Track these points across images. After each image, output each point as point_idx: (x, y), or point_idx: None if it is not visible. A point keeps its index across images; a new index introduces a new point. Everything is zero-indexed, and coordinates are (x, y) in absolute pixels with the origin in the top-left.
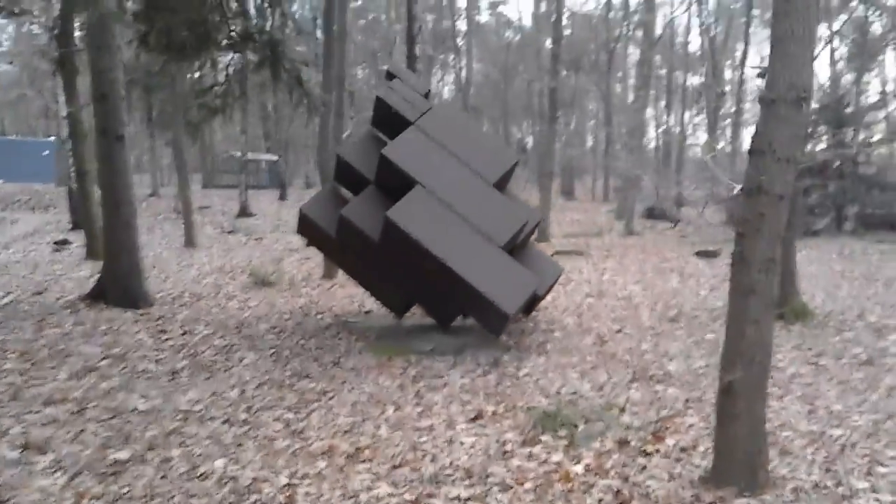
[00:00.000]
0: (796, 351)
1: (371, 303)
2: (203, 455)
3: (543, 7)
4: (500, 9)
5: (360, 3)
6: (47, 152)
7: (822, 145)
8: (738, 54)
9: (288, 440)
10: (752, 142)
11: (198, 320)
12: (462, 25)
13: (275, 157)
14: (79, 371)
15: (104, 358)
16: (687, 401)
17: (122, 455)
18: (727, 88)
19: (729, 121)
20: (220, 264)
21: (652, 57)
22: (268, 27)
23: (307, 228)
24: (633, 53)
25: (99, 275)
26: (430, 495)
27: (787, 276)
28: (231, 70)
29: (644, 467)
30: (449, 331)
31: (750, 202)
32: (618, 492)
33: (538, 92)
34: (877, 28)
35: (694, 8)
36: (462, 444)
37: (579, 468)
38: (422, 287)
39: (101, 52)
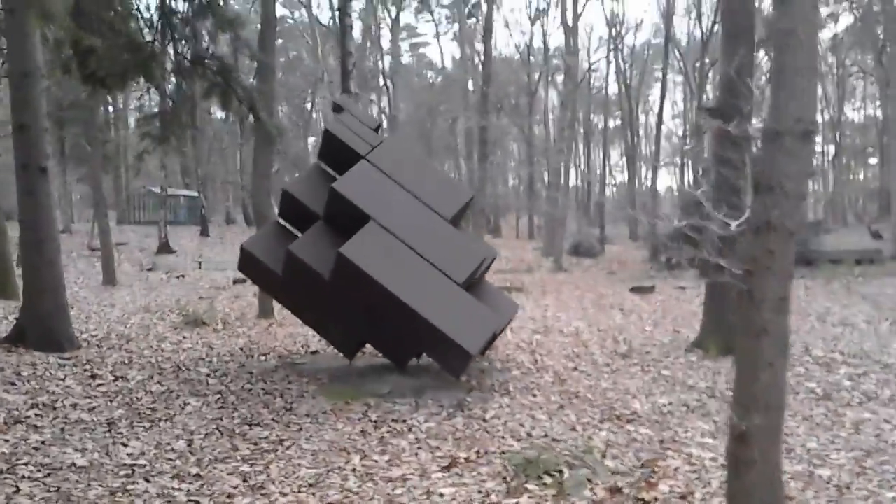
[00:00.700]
0: None
1: (317, 343)
2: None
3: (465, 50)
4: (422, 50)
5: (280, 41)
6: None
7: None
8: (653, 99)
9: (248, 497)
10: (758, 177)
11: (130, 364)
12: (383, 65)
13: (194, 193)
14: (4, 423)
15: (31, 407)
16: (662, 441)
17: None
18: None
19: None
20: (145, 303)
21: (575, 98)
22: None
23: (250, 266)
24: (552, 97)
25: (16, 317)
26: None
27: (735, 310)
28: (176, 97)
29: None
30: (405, 371)
31: (758, 239)
32: None
33: (461, 132)
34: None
35: (611, 54)
36: (442, 495)
37: None
38: (375, 327)
39: (25, 79)
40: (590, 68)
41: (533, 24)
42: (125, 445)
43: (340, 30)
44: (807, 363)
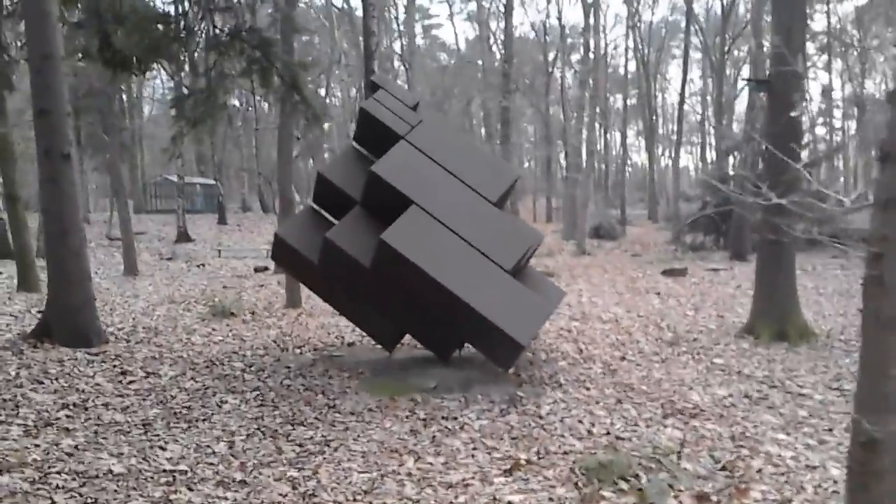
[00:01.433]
0: (813, 375)
1: (351, 334)
2: None
3: (483, 29)
4: (434, 32)
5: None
6: None
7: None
8: (668, 77)
9: None
10: (885, 146)
11: (161, 359)
12: (397, 47)
13: (211, 181)
14: (34, 426)
15: (61, 408)
16: (733, 438)
17: None
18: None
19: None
20: (169, 293)
21: (598, 76)
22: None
23: (283, 254)
24: (568, 77)
25: (41, 310)
26: None
27: (788, 293)
28: (213, 75)
29: None
30: (448, 364)
31: (888, 216)
32: None
33: (476, 113)
34: None
35: (629, 32)
36: None
37: None
38: (418, 317)
39: (46, 61)
40: (607, 46)
41: (549, 1)
42: (163, 449)
43: (363, 8)
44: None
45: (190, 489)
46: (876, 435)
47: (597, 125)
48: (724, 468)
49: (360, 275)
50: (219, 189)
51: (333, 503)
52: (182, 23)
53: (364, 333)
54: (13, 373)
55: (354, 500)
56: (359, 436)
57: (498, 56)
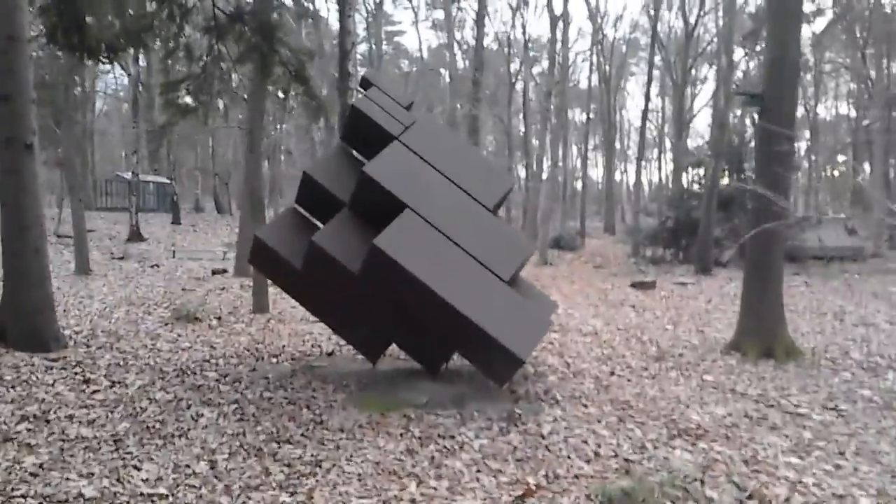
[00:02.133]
0: (806, 394)
1: (327, 342)
2: None
3: (439, 39)
4: (396, 38)
5: None
6: None
7: (725, 181)
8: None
9: None
10: None
11: (126, 366)
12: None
13: (164, 180)
14: None
15: (20, 420)
16: (746, 462)
17: None
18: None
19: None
20: (125, 295)
21: (563, 88)
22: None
23: (262, 257)
24: (529, 89)
25: None
26: None
27: (775, 310)
28: (208, 59)
29: None
30: (438, 377)
31: None
32: None
33: (436, 121)
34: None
35: (593, 48)
36: None
37: None
38: (407, 327)
39: (11, 43)
40: (574, 59)
41: (514, 13)
42: (138, 469)
43: (340, 8)
44: (850, 367)
45: None
46: None
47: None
48: (751, 496)
49: (347, 282)
50: (173, 188)
51: None
52: (149, 18)
53: (345, 342)
54: None
55: None
56: (352, 455)
57: (462, 65)
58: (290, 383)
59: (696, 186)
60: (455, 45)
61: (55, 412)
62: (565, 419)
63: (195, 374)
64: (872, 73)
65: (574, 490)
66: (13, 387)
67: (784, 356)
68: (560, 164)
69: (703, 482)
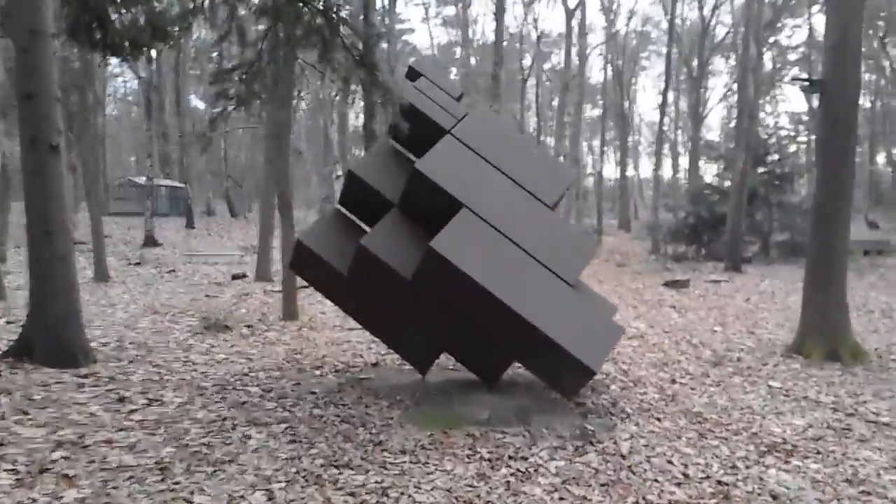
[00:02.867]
0: (882, 400)
1: (367, 351)
2: None
3: (450, 36)
4: (405, 37)
5: None
6: None
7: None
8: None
9: None
10: None
11: (162, 382)
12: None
13: (177, 184)
14: (26, 472)
15: (56, 447)
16: (849, 482)
17: None
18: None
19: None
20: (148, 302)
21: (581, 82)
22: None
23: (305, 263)
24: (543, 84)
25: (7, 320)
26: None
27: (839, 309)
28: (264, 46)
29: None
30: (495, 390)
31: None
32: None
33: None
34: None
35: (606, 42)
36: None
37: None
38: (463, 337)
39: (34, 38)
40: (588, 53)
41: (527, 7)
42: (189, 502)
43: (364, 4)
44: None
45: None
46: None
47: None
48: None
49: (398, 287)
50: (186, 192)
51: None
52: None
53: (390, 352)
54: None
55: None
56: (420, 482)
57: (473, 61)
58: (339, 399)
59: (716, 181)
60: (463, 41)
61: (91, 436)
62: (642, 435)
63: (236, 389)
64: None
65: None
66: (44, 407)
67: (850, 358)
68: (579, 160)
69: None
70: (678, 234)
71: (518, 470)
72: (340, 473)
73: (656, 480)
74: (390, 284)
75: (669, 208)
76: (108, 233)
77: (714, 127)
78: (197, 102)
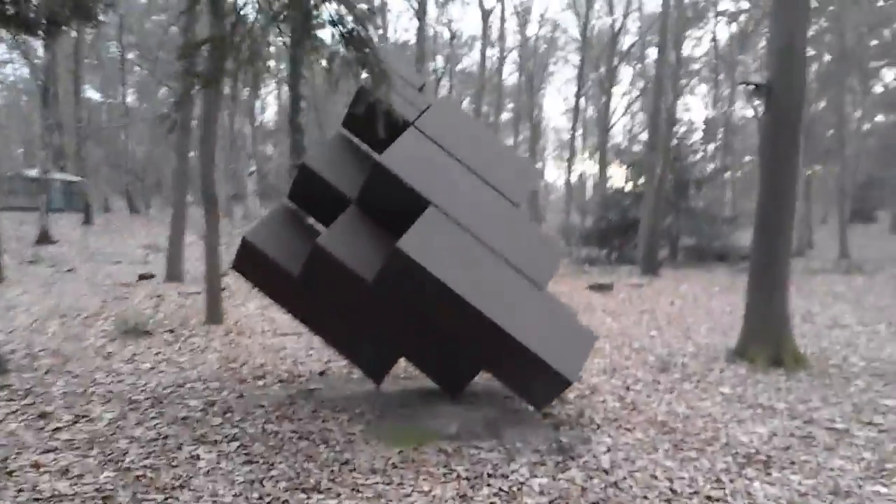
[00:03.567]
0: (831, 406)
1: (307, 358)
2: None
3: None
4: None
5: None
6: None
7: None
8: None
9: None
10: None
11: (87, 395)
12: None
13: (72, 178)
14: None
15: None
16: (834, 493)
17: None
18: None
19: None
20: (52, 305)
21: (500, 83)
22: None
23: (251, 263)
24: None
25: None
26: None
27: (782, 314)
28: (233, 22)
29: None
30: (458, 400)
31: None
32: None
33: None
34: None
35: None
36: None
37: None
38: (427, 344)
39: None
40: (503, 57)
41: (441, 8)
42: None
43: None
44: (860, 374)
45: None
46: None
47: None
48: None
49: (357, 290)
50: (83, 186)
51: None
52: None
53: (335, 359)
54: None
55: None
56: None
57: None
58: (292, 413)
59: (628, 186)
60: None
61: (15, 459)
62: (619, 448)
63: (173, 403)
64: None
65: None
66: None
67: (793, 364)
68: None
69: None
70: (590, 237)
71: (501, 489)
72: (308, 498)
73: (645, 497)
74: (348, 287)
75: (580, 212)
76: None
77: (617, 134)
78: (92, 93)
